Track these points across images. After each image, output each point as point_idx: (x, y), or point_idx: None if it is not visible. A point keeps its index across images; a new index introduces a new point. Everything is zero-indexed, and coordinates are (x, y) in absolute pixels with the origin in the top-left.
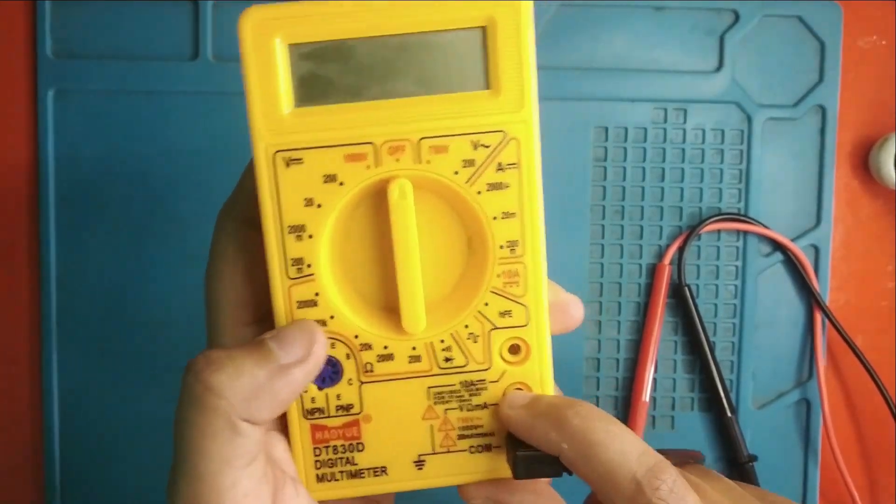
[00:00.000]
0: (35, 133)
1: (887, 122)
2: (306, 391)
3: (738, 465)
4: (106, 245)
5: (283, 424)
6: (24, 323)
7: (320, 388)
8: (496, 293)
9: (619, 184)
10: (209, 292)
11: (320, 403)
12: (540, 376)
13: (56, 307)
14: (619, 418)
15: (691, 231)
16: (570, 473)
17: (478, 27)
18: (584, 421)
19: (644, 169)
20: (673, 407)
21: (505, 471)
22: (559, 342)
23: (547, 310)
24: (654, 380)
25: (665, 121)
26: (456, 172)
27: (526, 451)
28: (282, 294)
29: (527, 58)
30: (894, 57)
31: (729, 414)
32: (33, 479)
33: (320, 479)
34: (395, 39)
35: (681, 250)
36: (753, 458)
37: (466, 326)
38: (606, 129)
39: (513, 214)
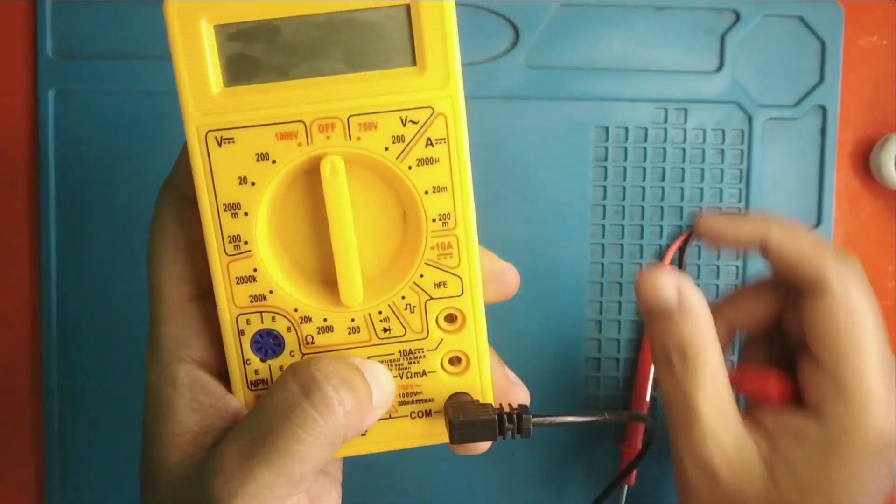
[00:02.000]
0: (36, 133)
1: (888, 122)
2: (249, 364)
3: None
4: (106, 244)
5: None
6: (25, 322)
7: (263, 361)
8: (431, 265)
9: (620, 184)
10: (151, 269)
11: (264, 375)
12: (476, 343)
13: (56, 307)
14: None
15: (692, 231)
16: (503, 438)
17: (402, 4)
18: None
19: (644, 169)
20: None
21: (444, 435)
22: (559, 343)
23: (481, 279)
24: (655, 380)
25: (665, 121)
26: (386, 149)
27: (461, 417)
28: (220, 271)
29: (450, 35)
30: (895, 57)
31: None
32: (34, 478)
33: None
34: (320, 18)
35: (681, 250)
36: None
37: (403, 298)
38: (607, 129)
39: (444, 188)
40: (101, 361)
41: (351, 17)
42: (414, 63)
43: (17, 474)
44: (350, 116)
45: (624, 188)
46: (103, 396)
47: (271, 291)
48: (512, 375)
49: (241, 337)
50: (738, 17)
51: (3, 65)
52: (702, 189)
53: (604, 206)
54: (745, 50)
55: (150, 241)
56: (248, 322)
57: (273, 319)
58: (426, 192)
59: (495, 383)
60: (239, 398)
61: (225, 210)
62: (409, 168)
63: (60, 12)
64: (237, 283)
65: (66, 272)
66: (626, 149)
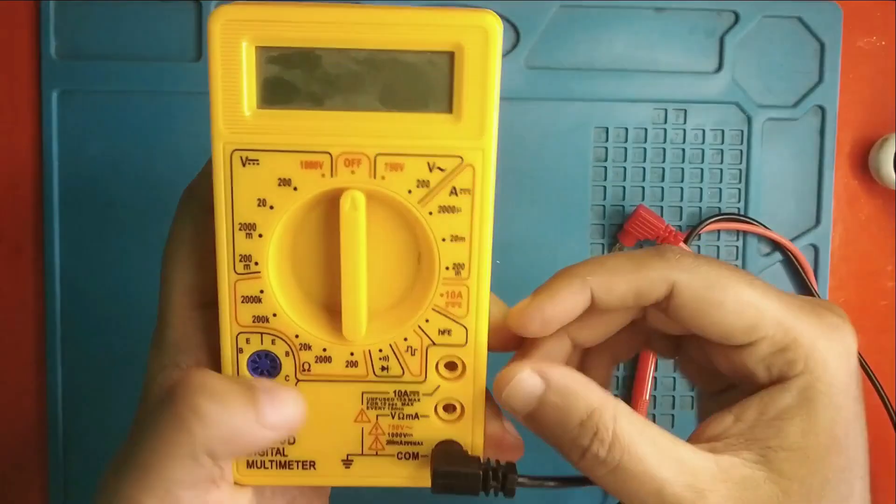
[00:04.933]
0: (39, 134)
1: (887, 122)
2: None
3: None
4: (110, 245)
5: None
6: (29, 322)
7: None
8: (438, 311)
9: (620, 184)
10: (164, 272)
11: None
12: (473, 394)
13: (60, 307)
14: None
15: (691, 231)
16: (486, 493)
17: (446, 51)
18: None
19: (644, 169)
20: (673, 405)
21: (428, 479)
22: None
23: (486, 331)
24: (655, 378)
25: (665, 121)
26: (409, 191)
27: (446, 467)
28: (227, 288)
29: (491, 87)
30: (894, 57)
31: None
32: (38, 477)
33: (250, 464)
34: (363, 53)
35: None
36: None
37: (406, 339)
38: (607, 130)
39: (462, 238)
40: (105, 361)
41: (394, 56)
42: (450, 110)
43: (20, 474)
44: (377, 154)
45: (624, 188)
46: (107, 396)
47: (275, 315)
48: (510, 428)
49: (240, 354)
50: (737, 18)
51: (7, 65)
52: (701, 189)
53: (604, 207)
54: (745, 50)
55: (167, 244)
56: (247, 341)
57: (273, 342)
58: (443, 240)
59: (489, 435)
60: None
61: (240, 229)
62: (430, 214)
63: (64, 13)
64: (242, 301)
65: (70, 272)
66: (625, 149)
